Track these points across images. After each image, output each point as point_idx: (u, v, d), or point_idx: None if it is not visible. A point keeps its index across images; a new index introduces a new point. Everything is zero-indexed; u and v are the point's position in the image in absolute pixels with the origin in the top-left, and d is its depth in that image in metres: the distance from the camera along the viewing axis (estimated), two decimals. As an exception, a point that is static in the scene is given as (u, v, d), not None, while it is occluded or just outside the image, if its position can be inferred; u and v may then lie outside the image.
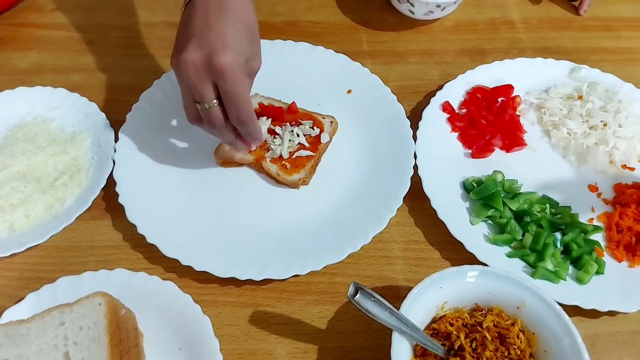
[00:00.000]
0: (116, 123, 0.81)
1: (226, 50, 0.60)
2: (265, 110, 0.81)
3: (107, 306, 0.57)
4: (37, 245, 0.69)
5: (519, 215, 0.72)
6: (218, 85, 0.62)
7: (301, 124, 0.79)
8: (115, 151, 0.76)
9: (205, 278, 0.67)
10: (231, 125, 0.67)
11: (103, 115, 0.81)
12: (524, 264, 0.69)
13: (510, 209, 0.72)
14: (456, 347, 0.57)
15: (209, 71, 0.61)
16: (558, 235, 0.71)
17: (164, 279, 0.65)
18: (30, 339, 0.56)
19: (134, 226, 0.69)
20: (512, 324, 0.58)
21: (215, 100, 0.63)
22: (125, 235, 0.71)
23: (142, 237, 0.68)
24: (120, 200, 0.71)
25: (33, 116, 0.82)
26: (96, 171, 0.75)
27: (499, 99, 0.85)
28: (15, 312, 0.61)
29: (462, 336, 0.57)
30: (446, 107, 0.83)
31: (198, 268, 0.66)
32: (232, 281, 0.67)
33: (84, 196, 0.73)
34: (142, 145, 0.78)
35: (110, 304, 0.58)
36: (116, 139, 0.78)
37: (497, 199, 0.72)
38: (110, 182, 0.73)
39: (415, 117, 0.81)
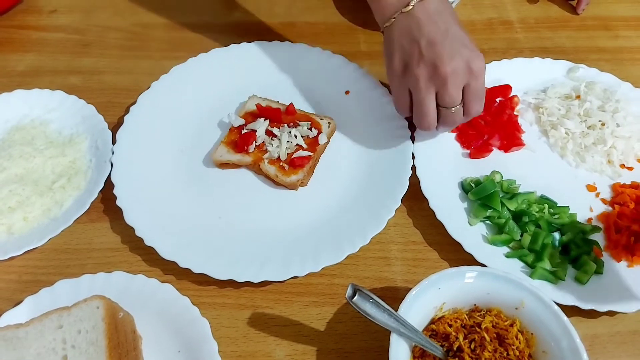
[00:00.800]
0: (114, 125, 0.81)
1: (478, 53, 0.68)
2: (263, 112, 0.81)
3: (105, 309, 0.57)
4: (35, 248, 0.68)
5: (517, 216, 0.72)
6: (469, 85, 0.68)
7: (299, 125, 0.79)
8: (113, 153, 0.76)
9: (203, 280, 0.67)
10: None
11: (101, 117, 0.80)
12: (522, 264, 0.69)
13: (508, 209, 0.72)
14: (455, 348, 0.57)
15: (466, 75, 0.67)
16: (556, 235, 0.71)
17: (162, 282, 0.65)
18: (28, 342, 0.55)
19: (132, 229, 0.69)
20: (511, 325, 0.58)
21: (460, 103, 0.70)
22: (124, 238, 0.71)
23: (140, 240, 0.68)
24: (118, 202, 0.71)
25: (31, 119, 0.82)
26: (94, 174, 0.75)
27: (497, 99, 0.85)
28: (13, 316, 0.61)
29: (461, 337, 0.57)
30: (444, 107, 0.83)
31: (196, 270, 0.66)
32: (231, 283, 0.66)
33: (82, 199, 0.73)
34: (140, 148, 0.78)
35: (109, 307, 0.58)
36: (114, 142, 0.78)
37: (496, 200, 0.72)
38: (108, 184, 0.73)
39: (413, 118, 0.81)
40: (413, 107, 0.73)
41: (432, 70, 0.67)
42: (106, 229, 0.72)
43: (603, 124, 0.81)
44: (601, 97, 0.84)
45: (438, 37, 0.67)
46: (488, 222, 0.73)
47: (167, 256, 0.67)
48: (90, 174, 0.76)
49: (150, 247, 0.68)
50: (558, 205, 0.74)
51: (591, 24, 1.01)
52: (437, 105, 0.70)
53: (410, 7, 0.68)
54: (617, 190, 0.76)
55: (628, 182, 0.77)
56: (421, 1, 0.68)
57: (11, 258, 0.68)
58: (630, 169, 0.79)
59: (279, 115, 0.80)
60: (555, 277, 0.67)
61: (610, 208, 0.75)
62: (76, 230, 0.72)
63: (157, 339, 0.61)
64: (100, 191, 0.73)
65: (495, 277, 0.59)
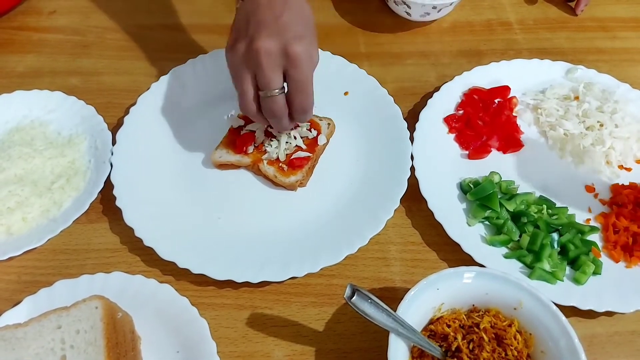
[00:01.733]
0: (114, 126, 0.81)
1: (301, 40, 0.62)
2: (262, 113, 0.81)
3: (103, 309, 0.57)
4: (34, 248, 0.68)
5: (515, 216, 0.72)
6: (289, 74, 0.63)
7: (298, 126, 0.80)
8: (112, 154, 0.76)
9: (202, 281, 0.67)
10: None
11: (100, 118, 0.81)
12: (521, 264, 0.69)
13: (507, 210, 0.72)
14: (453, 349, 0.57)
15: (282, 59, 0.62)
16: (555, 236, 0.71)
17: (161, 282, 0.65)
18: (27, 342, 0.56)
19: (131, 229, 0.69)
20: (509, 325, 0.58)
21: (281, 88, 0.64)
22: (123, 239, 0.71)
23: (139, 240, 0.68)
24: (118, 203, 0.71)
25: (30, 119, 0.82)
26: (93, 174, 0.75)
27: (496, 100, 0.85)
28: (12, 316, 0.61)
29: (459, 337, 0.57)
30: (443, 108, 0.83)
31: (195, 271, 0.66)
32: (229, 283, 0.66)
33: (81, 199, 0.73)
34: (139, 148, 0.78)
35: (107, 307, 0.58)
36: (113, 142, 0.78)
37: (494, 200, 0.72)
38: (108, 185, 0.73)
39: (412, 119, 0.82)
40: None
41: (247, 46, 0.63)
42: (105, 229, 0.73)
43: (601, 125, 0.81)
44: (599, 98, 0.84)
45: (266, 19, 0.63)
46: (487, 222, 0.73)
47: (166, 257, 0.67)
48: (89, 174, 0.76)
49: (149, 247, 0.68)
50: (557, 205, 0.74)
51: (589, 25, 1.01)
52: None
53: None
54: (616, 190, 0.76)
55: (626, 183, 0.77)
56: None
57: (10, 258, 0.68)
58: (628, 169, 0.79)
59: (278, 116, 0.80)
60: (553, 278, 0.67)
61: (608, 209, 0.75)
62: (75, 231, 0.72)
63: (155, 339, 0.61)
64: (100, 192, 0.73)
65: (493, 278, 0.59)
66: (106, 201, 0.74)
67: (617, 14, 1.03)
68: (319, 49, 0.89)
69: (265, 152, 0.77)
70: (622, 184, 0.77)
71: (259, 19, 0.63)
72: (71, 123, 0.81)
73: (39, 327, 0.57)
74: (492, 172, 0.77)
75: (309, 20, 0.66)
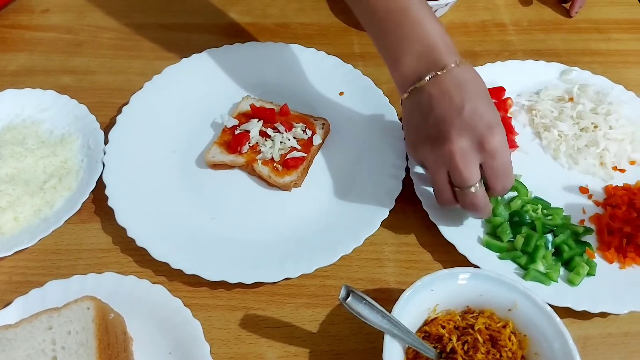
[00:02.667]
0: (106, 125, 0.81)
1: (493, 130, 0.60)
2: (256, 112, 0.80)
3: (95, 310, 0.57)
4: (25, 248, 0.68)
5: (510, 216, 0.72)
6: (488, 165, 0.62)
7: (293, 126, 0.79)
8: (105, 154, 0.76)
9: (195, 281, 0.66)
10: None
11: (93, 117, 0.80)
12: (515, 266, 0.69)
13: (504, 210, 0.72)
14: (448, 350, 0.56)
15: (479, 154, 0.61)
16: (549, 237, 0.71)
17: (153, 283, 0.64)
18: (17, 343, 0.55)
19: (123, 229, 0.69)
20: (504, 326, 0.58)
21: (480, 181, 0.63)
22: (115, 239, 0.71)
23: (132, 241, 0.68)
24: (110, 203, 0.71)
25: (22, 118, 0.81)
26: (85, 174, 0.75)
27: (491, 101, 0.85)
28: (2, 317, 0.60)
29: (454, 339, 0.57)
30: (438, 109, 0.83)
31: (188, 271, 0.66)
32: (223, 284, 0.66)
33: (73, 199, 0.72)
34: (132, 148, 0.77)
35: (99, 308, 0.57)
36: (106, 142, 0.77)
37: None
38: (100, 184, 0.73)
39: (407, 119, 0.81)
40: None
41: (437, 148, 0.62)
42: (97, 229, 0.72)
43: (596, 127, 0.81)
44: (594, 100, 0.84)
45: (448, 114, 0.61)
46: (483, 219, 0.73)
47: (158, 257, 0.66)
48: (81, 174, 0.75)
49: (141, 248, 0.67)
50: (552, 206, 0.74)
51: (584, 27, 1.02)
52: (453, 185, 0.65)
53: (424, 81, 0.63)
54: (610, 192, 0.77)
55: (620, 184, 0.77)
56: (436, 76, 0.63)
57: (1, 258, 0.67)
58: (622, 171, 0.79)
59: (273, 116, 0.80)
60: (547, 279, 0.67)
61: (602, 210, 0.75)
62: (67, 231, 0.71)
63: (148, 341, 0.61)
64: (92, 192, 0.73)
65: (488, 279, 0.59)
66: (98, 201, 0.73)
67: (611, 15, 1.04)
68: (314, 49, 0.90)
69: (259, 152, 0.77)
70: (616, 186, 0.77)
71: (440, 115, 0.62)
72: (64, 122, 0.81)
73: (30, 328, 0.56)
74: (486, 173, 0.77)
75: (486, 92, 0.64)
